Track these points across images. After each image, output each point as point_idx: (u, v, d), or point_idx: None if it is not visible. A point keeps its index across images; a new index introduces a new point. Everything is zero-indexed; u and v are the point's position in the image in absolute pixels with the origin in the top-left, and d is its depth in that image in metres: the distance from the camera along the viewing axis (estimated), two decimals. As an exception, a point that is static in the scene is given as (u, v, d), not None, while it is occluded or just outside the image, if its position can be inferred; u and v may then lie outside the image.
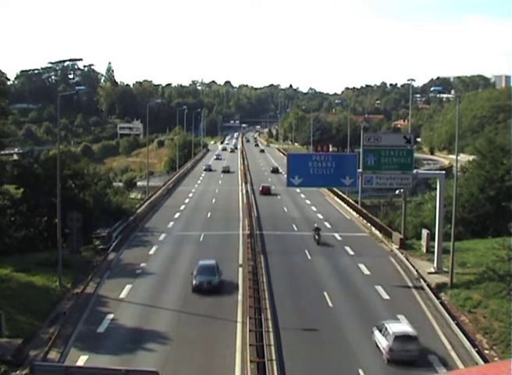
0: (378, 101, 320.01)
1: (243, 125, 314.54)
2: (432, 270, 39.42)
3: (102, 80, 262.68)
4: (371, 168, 40.72)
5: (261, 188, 77.24)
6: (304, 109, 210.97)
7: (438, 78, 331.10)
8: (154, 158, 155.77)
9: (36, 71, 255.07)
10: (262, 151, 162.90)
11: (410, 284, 37.34)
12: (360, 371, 25.13)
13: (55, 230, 39.03)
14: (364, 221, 56.91)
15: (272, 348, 27.00)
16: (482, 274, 36.15)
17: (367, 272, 40.09)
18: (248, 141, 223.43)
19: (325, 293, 35.08)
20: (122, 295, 34.98)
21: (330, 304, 33.58)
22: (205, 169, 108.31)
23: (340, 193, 71.94)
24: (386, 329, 26.40)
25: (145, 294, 35.21)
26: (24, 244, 46.99)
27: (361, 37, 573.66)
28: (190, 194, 77.39)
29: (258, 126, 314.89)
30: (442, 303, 32.96)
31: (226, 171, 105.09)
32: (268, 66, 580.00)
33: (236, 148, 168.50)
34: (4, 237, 47.02)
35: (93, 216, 50.50)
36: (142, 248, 46.97)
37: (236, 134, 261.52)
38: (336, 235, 51.44)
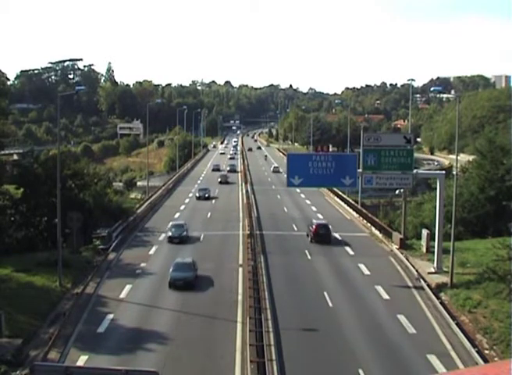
0: (378, 101, 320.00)
1: (233, 128, 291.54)
2: (432, 270, 39.42)
3: (102, 80, 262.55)
4: (371, 168, 40.71)
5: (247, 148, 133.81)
6: (304, 109, 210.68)
7: (438, 78, 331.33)
8: (154, 158, 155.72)
9: (36, 71, 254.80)
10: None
11: (410, 284, 37.33)
12: (360, 371, 25.12)
13: (55, 230, 39.01)
14: (364, 221, 56.89)
15: (272, 348, 27.00)
16: (482, 274, 36.14)
17: (367, 272, 40.08)
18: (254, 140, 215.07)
19: (325, 293, 35.08)
20: (122, 295, 34.97)
21: (330, 304, 33.58)
22: (170, 239, 48.56)
23: (340, 193, 71.96)
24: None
25: (145, 294, 35.22)
26: (24, 244, 46.96)
27: (361, 37, 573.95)
28: (190, 194, 77.30)
29: (272, 123, 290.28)
30: (442, 303, 32.97)
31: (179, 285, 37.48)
32: (268, 66, 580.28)
33: (236, 171, 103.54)
34: (4, 237, 46.99)
35: (93, 216, 50.48)
36: (142, 248, 46.96)
37: (234, 141, 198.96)
38: (336, 235, 51.42)
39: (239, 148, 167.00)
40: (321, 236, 48.19)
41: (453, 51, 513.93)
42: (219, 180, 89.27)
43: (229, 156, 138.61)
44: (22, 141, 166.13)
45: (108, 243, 46.41)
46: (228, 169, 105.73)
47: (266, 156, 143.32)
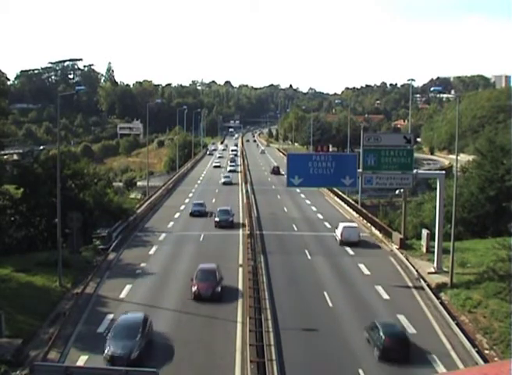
0: (378, 101, 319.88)
1: (231, 129, 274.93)
2: (432, 270, 39.43)
3: (102, 80, 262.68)
4: (371, 168, 40.71)
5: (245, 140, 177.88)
6: (304, 109, 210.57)
7: (438, 78, 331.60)
8: (154, 158, 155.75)
9: (36, 71, 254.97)
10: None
11: (410, 284, 37.32)
12: (360, 371, 25.13)
13: (55, 230, 39.01)
14: (364, 221, 56.87)
15: (272, 348, 26.99)
16: (482, 274, 36.16)
17: (367, 272, 40.08)
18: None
19: (325, 293, 35.08)
20: (122, 295, 34.96)
21: (330, 304, 33.57)
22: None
23: (340, 193, 71.94)
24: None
25: (145, 294, 35.19)
26: (24, 244, 46.98)
27: (361, 37, 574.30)
28: (190, 194, 77.35)
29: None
30: (442, 303, 32.97)
31: None
32: (268, 66, 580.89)
33: (233, 224, 54.58)
34: (4, 237, 47.00)
35: (93, 216, 50.47)
36: (142, 248, 46.94)
37: (232, 150, 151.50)
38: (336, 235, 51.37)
39: (239, 160, 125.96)
40: (275, 172, 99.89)
41: (453, 51, 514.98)
42: (196, 276, 35.07)
43: (222, 179, 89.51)
44: (22, 141, 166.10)
45: (108, 243, 46.40)
46: (217, 219, 55.04)
47: (258, 145, 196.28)
